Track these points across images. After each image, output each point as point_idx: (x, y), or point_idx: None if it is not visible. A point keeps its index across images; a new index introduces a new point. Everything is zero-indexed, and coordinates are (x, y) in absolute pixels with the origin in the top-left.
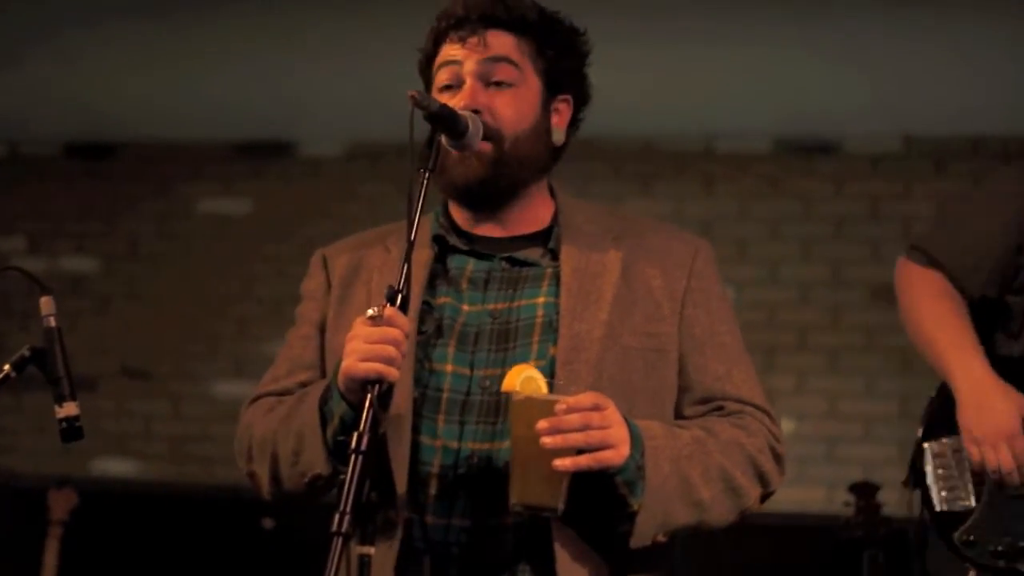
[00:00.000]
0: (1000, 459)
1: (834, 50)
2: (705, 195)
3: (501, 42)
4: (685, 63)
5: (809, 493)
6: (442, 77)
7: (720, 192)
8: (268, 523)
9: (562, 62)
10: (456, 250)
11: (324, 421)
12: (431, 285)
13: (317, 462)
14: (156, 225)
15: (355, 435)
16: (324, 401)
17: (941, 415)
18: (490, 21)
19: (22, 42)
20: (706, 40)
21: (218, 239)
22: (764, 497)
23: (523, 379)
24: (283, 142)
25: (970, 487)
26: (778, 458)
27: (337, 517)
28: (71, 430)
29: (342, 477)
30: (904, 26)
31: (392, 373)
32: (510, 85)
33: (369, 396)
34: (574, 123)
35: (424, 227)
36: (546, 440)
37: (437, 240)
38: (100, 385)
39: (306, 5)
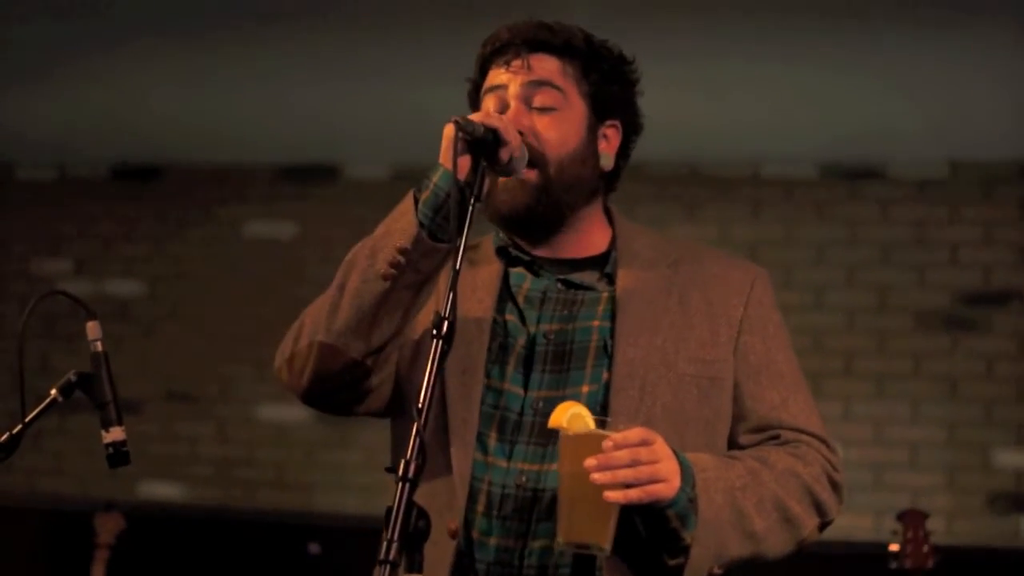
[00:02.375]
0: None
1: (880, 75)
2: (751, 220)
3: (545, 65)
4: (732, 87)
5: (856, 520)
6: (488, 104)
7: (766, 217)
8: (314, 548)
9: (608, 87)
10: (518, 262)
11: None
12: (498, 300)
13: (404, 233)
14: (202, 248)
15: (402, 462)
16: (417, 192)
17: None
18: (534, 45)
19: (69, 65)
20: (753, 65)
21: (264, 262)
22: (823, 526)
23: (570, 416)
24: (328, 165)
25: None
26: (835, 486)
27: (384, 545)
28: (118, 455)
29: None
30: (950, 51)
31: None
32: (553, 109)
33: (416, 425)
34: (624, 151)
35: (487, 239)
36: (595, 476)
37: (500, 252)
38: (145, 408)
39: (351, 28)
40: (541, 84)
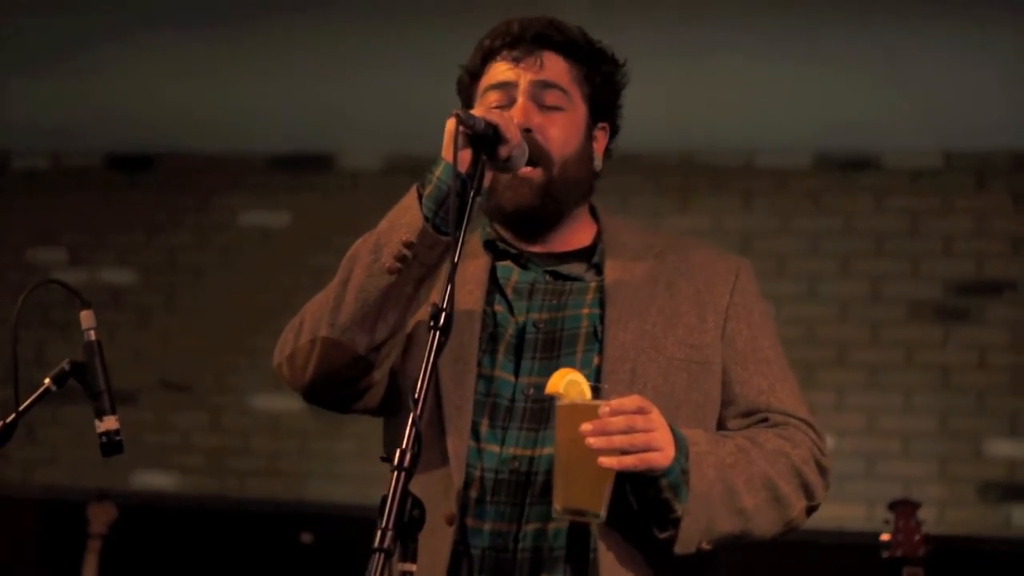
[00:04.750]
0: None
1: (874, 65)
2: (744, 210)
3: (555, 65)
4: (725, 78)
5: (849, 510)
6: (492, 98)
7: (759, 207)
8: (307, 538)
9: (605, 90)
10: (506, 255)
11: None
12: (487, 292)
13: (409, 227)
14: (196, 237)
15: (398, 451)
16: (420, 186)
17: None
18: (545, 43)
19: (63, 53)
20: (746, 55)
21: (258, 251)
22: (809, 510)
23: (567, 382)
24: (322, 154)
25: None
26: (823, 471)
27: (379, 534)
28: (111, 444)
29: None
30: (944, 41)
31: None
32: (560, 109)
33: (412, 415)
34: (607, 153)
35: (474, 236)
36: (591, 441)
37: (488, 246)
38: (140, 398)
39: (345, 18)
40: (551, 85)
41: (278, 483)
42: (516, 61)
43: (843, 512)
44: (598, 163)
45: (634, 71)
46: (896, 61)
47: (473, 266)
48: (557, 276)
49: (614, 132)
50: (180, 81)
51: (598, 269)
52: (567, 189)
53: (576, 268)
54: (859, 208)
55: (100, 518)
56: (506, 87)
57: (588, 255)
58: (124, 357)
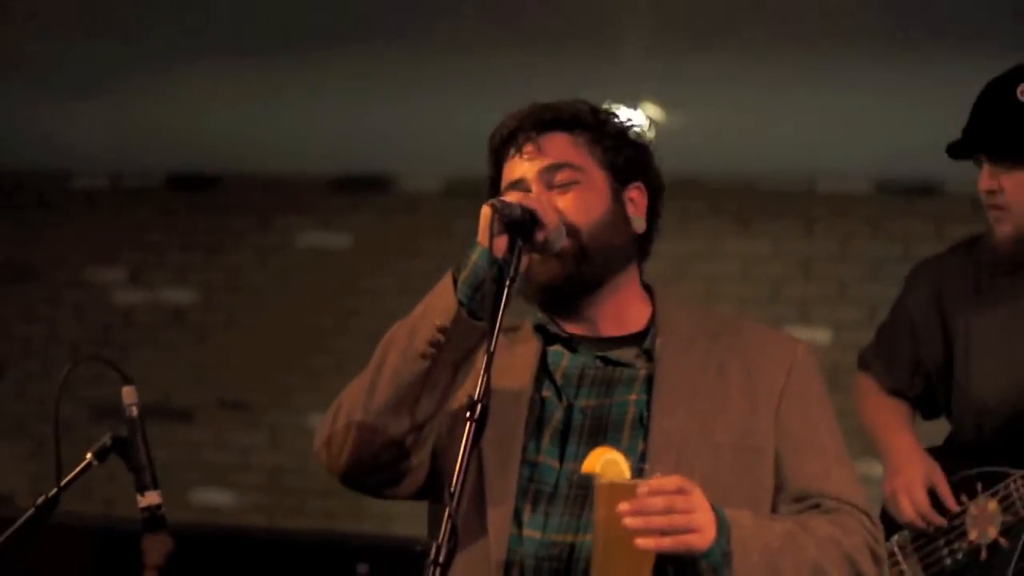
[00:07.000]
0: (906, 508)
1: (933, 92)
2: (805, 235)
3: (556, 144)
4: (787, 104)
5: None
6: (512, 197)
7: (820, 232)
8: (363, 569)
9: (622, 151)
10: (556, 339)
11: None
12: (536, 378)
13: (444, 311)
14: (256, 257)
15: (434, 546)
16: (456, 271)
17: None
18: (542, 126)
19: (124, 76)
20: (808, 82)
21: (317, 272)
22: None
23: (604, 461)
24: (381, 176)
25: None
26: (877, 559)
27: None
28: (154, 519)
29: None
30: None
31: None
32: (574, 183)
33: (448, 509)
34: (653, 211)
35: (526, 323)
36: (628, 522)
37: (538, 330)
38: (198, 416)
39: (404, 43)
40: (557, 166)
41: (335, 503)
42: (520, 152)
43: None
44: (639, 224)
45: (696, 99)
46: (955, 88)
47: (523, 351)
48: (607, 362)
49: (655, 190)
50: (240, 103)
51: (649, 355)
52: (600, 255)
53: (627, 354)
54: (920, 234)
55: (156, 550)
56: (519, 184)
57: (640, 340)
58: (183, 376)
